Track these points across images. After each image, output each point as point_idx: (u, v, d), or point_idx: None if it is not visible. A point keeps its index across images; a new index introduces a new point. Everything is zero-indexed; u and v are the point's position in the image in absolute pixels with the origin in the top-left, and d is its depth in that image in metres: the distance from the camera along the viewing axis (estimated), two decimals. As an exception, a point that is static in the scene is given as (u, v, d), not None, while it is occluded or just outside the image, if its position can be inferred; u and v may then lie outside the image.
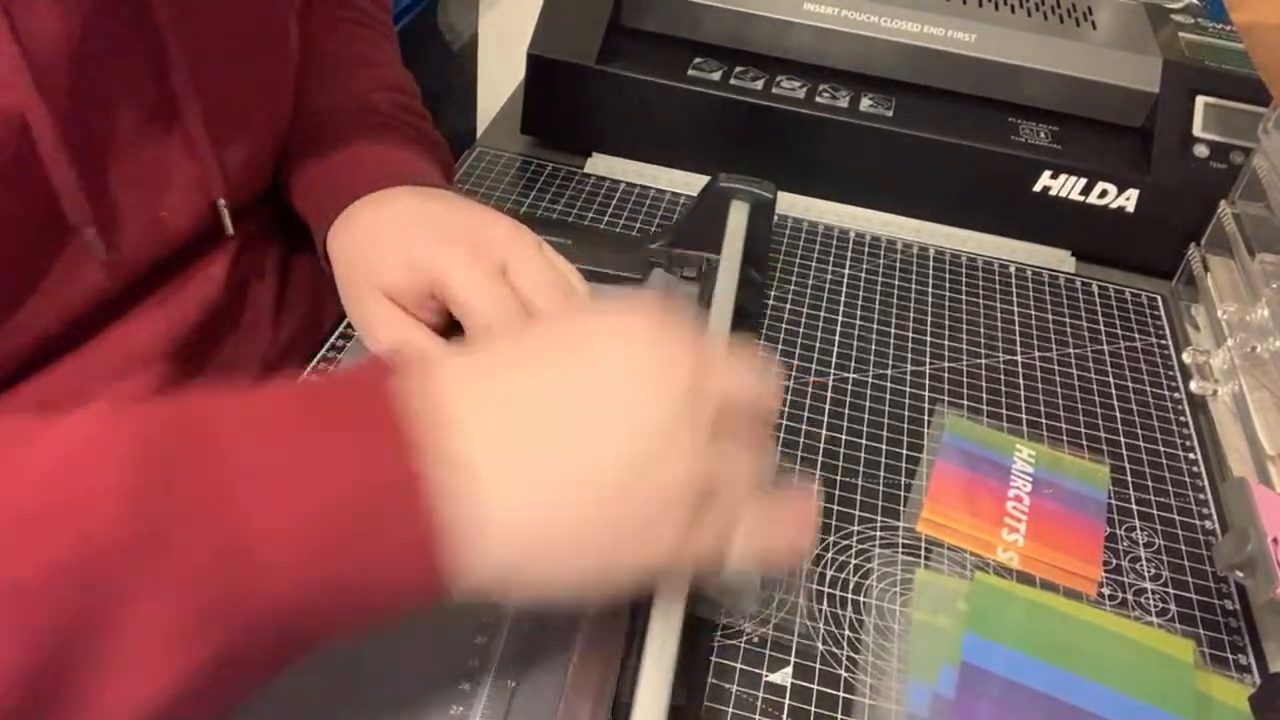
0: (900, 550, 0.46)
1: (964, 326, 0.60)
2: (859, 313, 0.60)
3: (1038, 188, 0.66)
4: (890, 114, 0.67)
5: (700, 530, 0.31)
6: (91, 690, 0.25)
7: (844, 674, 0.40)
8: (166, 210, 0.46)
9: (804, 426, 0.52)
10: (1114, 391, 0.57)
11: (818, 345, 0.57)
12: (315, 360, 0.51)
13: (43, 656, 0.25)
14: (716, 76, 0.68)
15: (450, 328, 0.48)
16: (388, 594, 0.29)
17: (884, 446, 0.51)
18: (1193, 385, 0.57)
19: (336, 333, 0.53)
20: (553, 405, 0.31)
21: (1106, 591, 0.45)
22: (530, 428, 0.30)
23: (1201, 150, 0.65)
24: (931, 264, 0.65)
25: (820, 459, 0.50)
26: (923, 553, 0.46)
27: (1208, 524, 0.49)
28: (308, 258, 0.62)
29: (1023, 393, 0.56)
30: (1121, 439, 0.54)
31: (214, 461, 0.27)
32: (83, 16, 0.39)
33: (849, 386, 0.55)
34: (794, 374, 0.55)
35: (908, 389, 0.55)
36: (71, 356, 0.45)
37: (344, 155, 0.53)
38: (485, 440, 0.30)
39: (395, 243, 0.48)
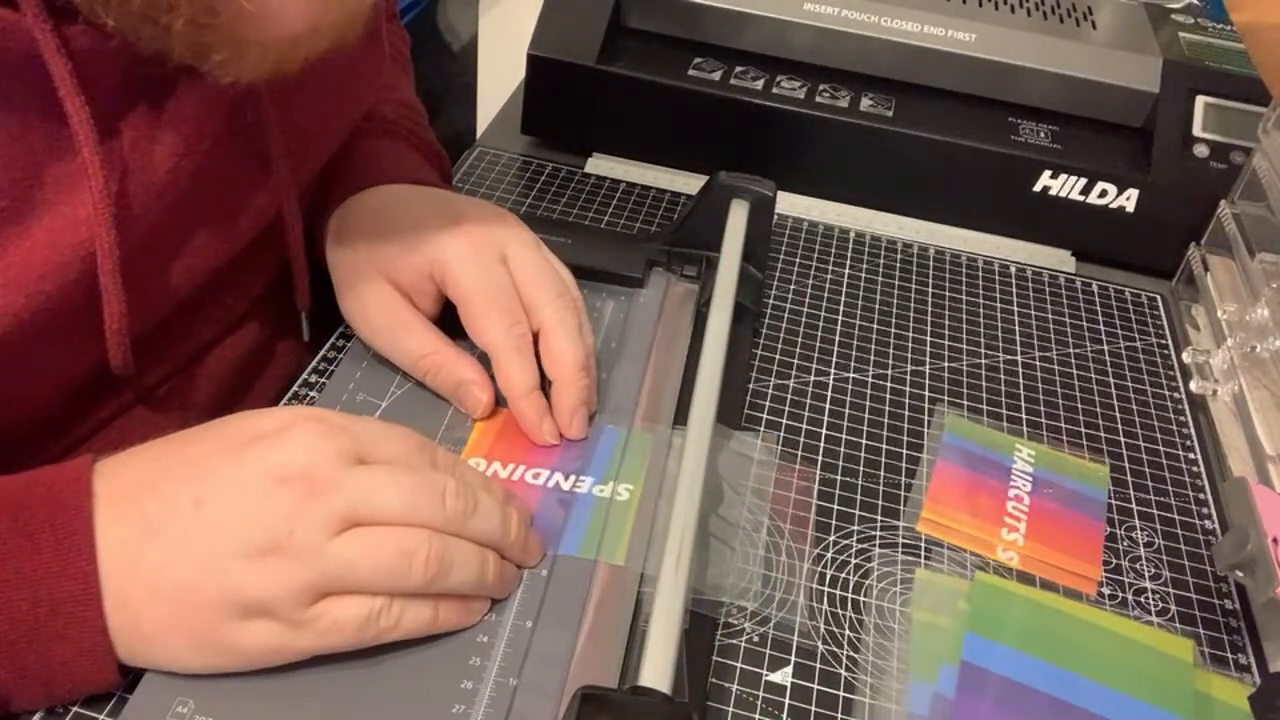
0: (900, 550, 0.46)
1: (964, 326, 0.60)
2: (859, 313, 0.60)
3: (1038, 188, 0.66)
4: (890, 114, 0.67)
5: (308, 627, 0.34)
6: None
7: (844, 673, 0.40)
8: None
9: (804, 426, 0.52)
10: (1114, 391, 0.57)
11: (818, 345, 0.57)
12: (314, 362, 0.51)
13: None
14: (716, 76, 0.68)
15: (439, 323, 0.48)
16: (69, 682, 0.34)
17: (884, 446, 0.51)
18: (1192, 385, 0.57)
19: (336, 333, 0.53)
20: (166, 511, 0.34)
21: (1106, 591, 0.45)
22: (142, 531, 0.34)
23: (1201, 150, 0.65)
24: (931, 264, 0.65)
25: (820, 459, 0.50)
26: (923, 552, 0.46)
27: (1208, 524, 0.49)
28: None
29: (1023, 393, 0.56)
30: (1121, 439, 0.54)
31: None
32: (201, 154, 0.40)
33: (849, 386, 0.55)
34: (794, 374, 0.55)
35: (908, 389, 0.55)
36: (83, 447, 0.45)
37: (352, 151, 0.54)
38: (108, 546, 0.33)
39: (399, 227, 0.48)
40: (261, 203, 0.46)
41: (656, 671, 0.34)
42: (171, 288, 0.43)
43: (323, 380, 0.49)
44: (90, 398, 0.44)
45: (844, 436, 0.51)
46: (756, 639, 0.41)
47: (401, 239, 0.47)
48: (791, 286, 0.61)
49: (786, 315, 0.59)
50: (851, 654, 0.41)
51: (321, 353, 0.51)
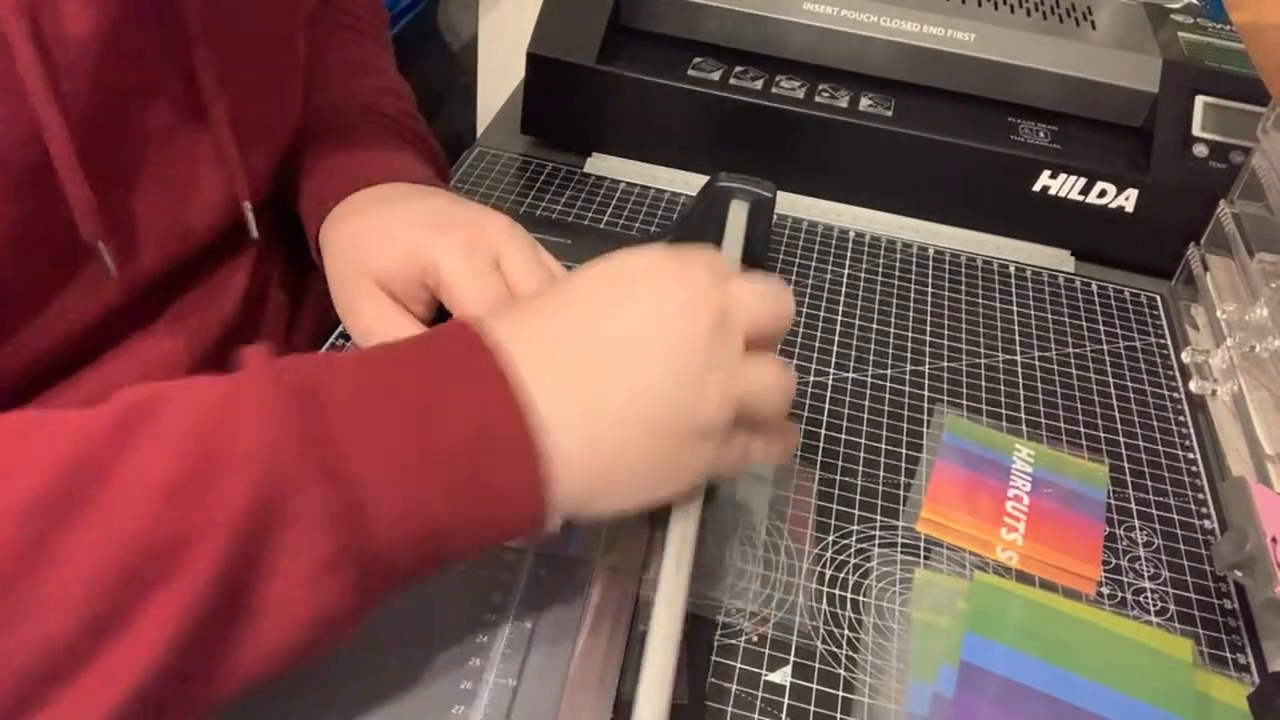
0: (900, 550, 0.46)
1: (964, 326, 0.60)
2: (859, 313, 0.60)
3: (1037, 187, 0.66)
4: (890, 114, 0.67)
5: (732, 444, 0.36)
6: (263, 598, 0.29)
7: (844, 673, 0.40)
8: (191, 216, 0.46)
9: (804, 426, 0.52)
10: (1113, 391, 0.57)
11: (817, 345, 0.57)
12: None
13: (215, 592, 0.28)
14: (716, 76, 0.68)
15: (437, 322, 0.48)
16: (501, 524, 0.34)
17: (884, 446, 0.51)
18: (1192, 385, 0.58)
19: (336, 332, 0.53)
20: (599, 352, 0.35)
21: (1106, 591, 0.45)
22: (580, 376, 0.34)
23: (1201, 150, 0.65)
24: (931, 264, 0.65)
25: (820, 458, 0.50)
26: (922, 552, 0.46)
27: (1207, 524, 0.49)
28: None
29: (1022, 393, 0.56)
30: (1121, 439, 0.54)
31: (331, 432, 0.31)
32: (111, 18, 0.39)
33: (849, 386, 0.55)
34: (794, 373, 0.55)
35: (907, 389, 0.55)
36: (89, 370, 0.45)
37: (348, 150, 0.54)
38: (546, 392, 0.33)
39: (393, 230, 0.48)
40: (178, 84, 0.44)
41: (658, 671, 0.34)
42: (119, 159, 0.43)
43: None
44: (73, 292, 0.43)
45: (844, 436, 0.51)
46: (756, 639, 0.41)
47: (394, 243, 0.47)
48: (791, 286, 0.61)
49: (786, 315, 0.59)
50: (851, 654, 0.41)
51: (322, 351, 0.51)
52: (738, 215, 0.55)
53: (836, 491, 0.48)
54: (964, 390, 0.55)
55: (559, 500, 0.34)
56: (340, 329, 0.53)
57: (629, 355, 0.35)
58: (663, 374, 0.34)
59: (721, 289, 0.36)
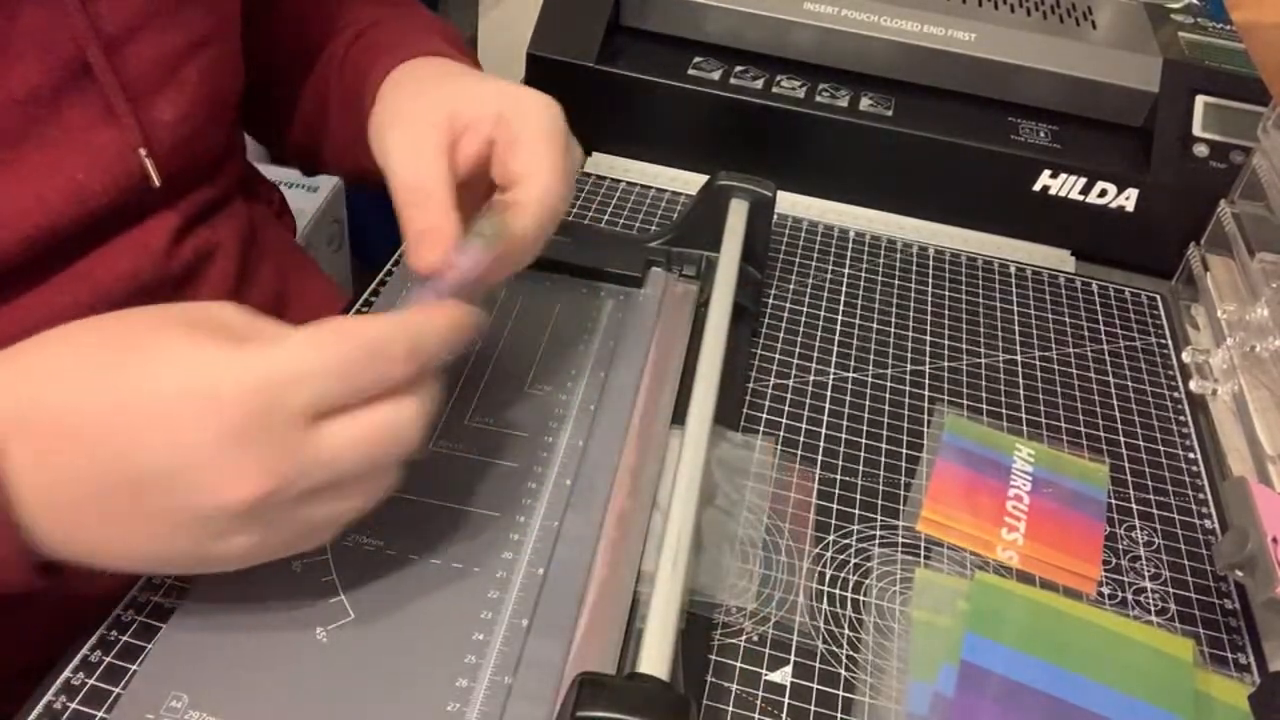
0: (900, 550, 0.46)
1: (964, 326, 0.60)
2: (859, 313, 0.60)
3: (1038, 187, 0.66)
4: (890, 113, 0.67)
5: (299, 514, 0.33)
6: None
7: (844, 673, 0.40)
8: (82, 174, 0.44)
9: (804, 426, 0.52)
10: (1114, 391, 0.57)
11: (817, 345, 0.57)
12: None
13: None
14: (716, 76, 0.68)
15: None
16: None
17: (884, 446, 0.51)
18: (1192, 385, 0.57)
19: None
20: (92, 419, 0.32)
21: (1106, 591, 0.45)
22: (67, 442, 0.32)
23: (1201, 150, 0.65)
24: (931, 264, 0.65)
25: (820, 458, 0.50)
26: (923, 552, 0.46)
27: (1207, 523, 0.49)
28: (275, 234, 0.61)
29: (1022, 392, 0.56)
30: (1121, 438, 0.54)
31: None
32: None
33: (849, 386, 0.54)
34: (794, 373, 0.55)
35: (908, 389, 0.55)
36: None
37: (394, 28, 0.54)
38: (21, 453, 0.31)
39: (473, 79, 0.46)
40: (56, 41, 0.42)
41: (654, 660, 0.34)
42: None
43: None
44: None
45: (844, 436, 0.51)
46: (756, 639, 0.41)
47: (479, 84, 0.44)
48: (791, 286, 0.61)
49: (786, 315, 0.59)
50: (851, 653, 0.41)
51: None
52: (737, 215, 0.55)
53: (836, 491, 0.48)
54: (964, 390, 0.55)
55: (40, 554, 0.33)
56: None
57: (123, 428, 0.31)
58: (158, 453, 0.31)
59: (270, 373, 0.32)
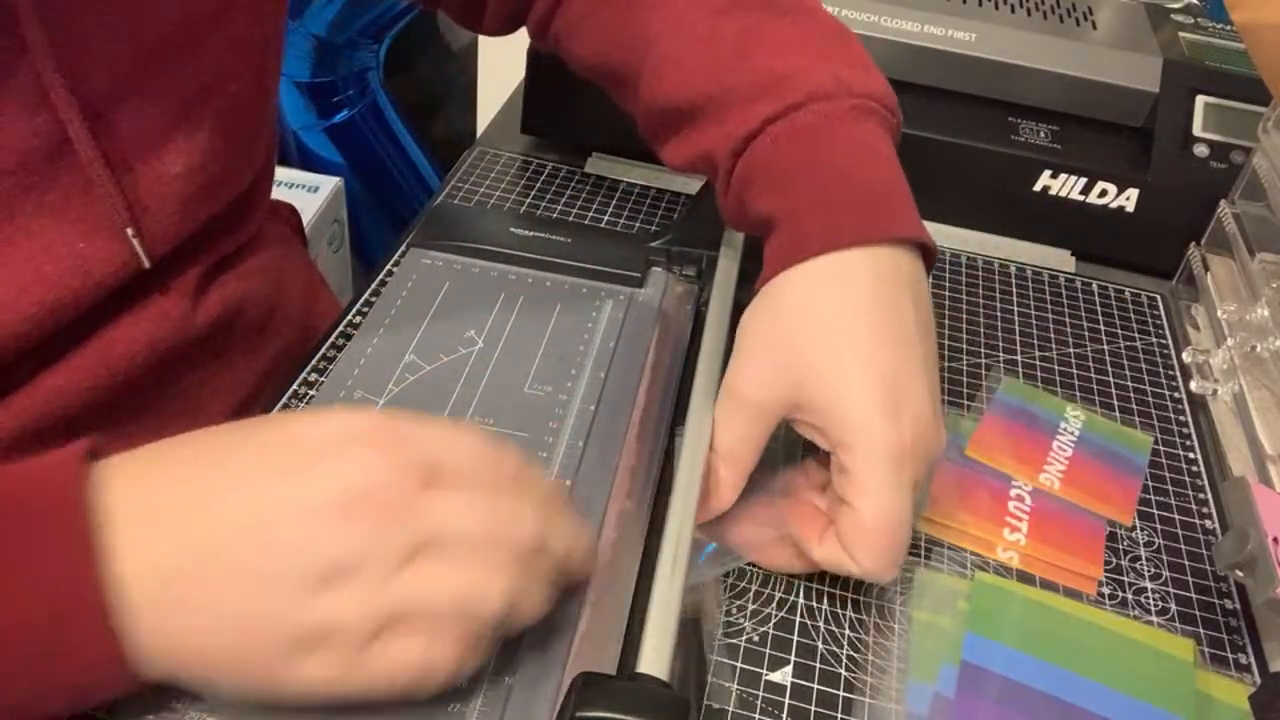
0: (900, 549, 0.46)
1: (964, 326, 0.60)
2: (859, 312, 0.60)
3: (1038, 187, 0.66)
4: (890, 114, 0.67)
5: (364, 666, 0.32)
6: None
7: (844, 673, 0.40)
8: (84, 241, 0.42)
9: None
10: (1114, 391, 0.57)
11: (818, 345, 0.57)
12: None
13: None
14: (716, 76, 0.67)
15: None
16: (74, 699, 0.32)
17: (884, 446, 0.51)
18: (1193, 385, 0.57)
19: (337, 331, 0.53)
20: (220, 527, 0.32)
21: (1106, 591, 0.45)
22: (189, 547, 0.31)
23: (1201, 150, 0.65)
24: (931, 264, 0.65)
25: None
26: (923, 552, 0.46)
27: (1208, 523, 0.49)
28: (296, 256, 0.60)
29: (1023, 392, 0.56)
30: (1121, 438, 0.54)
31: None
32: None
33: (849, 386, 0.54)
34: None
35: (908, 388, 0.55)
36: (4, 406, 0.43)
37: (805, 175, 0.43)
38: (135, 564, 0.31)
39: (805, 355, 0.40)
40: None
41: (654, 660, 0.34)
42: None
43: (321, 379, 0.49)
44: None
45: (844, 436, 0.51)
46: (756, 639, 0.41)
47: (831, 367, 0.39)
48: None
49: (786, 315, 0.59)
50: (851, 654, 0.41)
51: (321, 351, 0.51)
52: (738, 215, 0.55)
53: (836, 491, 0.48)
54: (964, 390, 0.55)
55: (142, 673, 0.31)
56: (340, 329, 0.52)
57: (248, 543, 0.31)
58: (278, 571, 0.31)
59: (400, 498, 0.32)
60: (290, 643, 0.31)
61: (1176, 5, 0.75)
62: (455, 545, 0.32)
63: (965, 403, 0.53)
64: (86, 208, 0.42)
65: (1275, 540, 0.41)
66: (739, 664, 0.40)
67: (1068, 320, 0.62)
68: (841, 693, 0.40)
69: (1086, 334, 0.61)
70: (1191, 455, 0.53)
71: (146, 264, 0.45)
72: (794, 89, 0.43)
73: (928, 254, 0.43)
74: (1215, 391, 0.57)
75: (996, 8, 0.71)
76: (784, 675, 0.40)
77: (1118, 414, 0.55)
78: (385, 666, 0.32)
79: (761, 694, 0.39)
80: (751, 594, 0.43)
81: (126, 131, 0.42)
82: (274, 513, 0.31)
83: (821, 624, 0.42)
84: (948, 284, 0.63)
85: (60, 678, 0.31)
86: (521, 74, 0.69)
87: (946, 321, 0.60)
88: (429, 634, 0.32)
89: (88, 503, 0.31)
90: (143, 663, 0.31)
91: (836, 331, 0.39)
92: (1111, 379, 0.58)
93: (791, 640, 0.41)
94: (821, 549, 0.40)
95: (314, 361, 0.50)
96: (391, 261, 0.57)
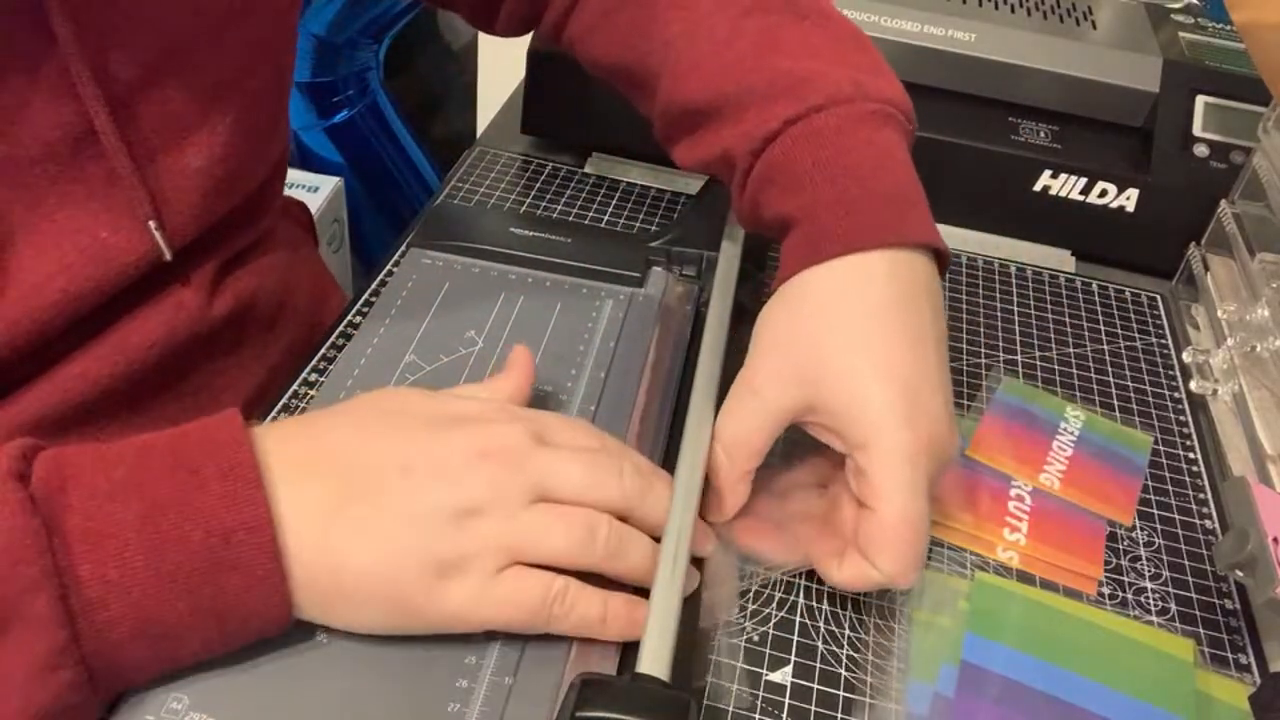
0: (900, 549, 0.46)
1: (964, 326, 0.60)
2: (859, 312, 0.60)
3: (1038, 187, 0.66)
4: (890, 114, 0.67)
5: (495, 592, 0.36)
6: None
7: (844, 673, 0.40)
8: (107, 230, 0.43)
9: (804, 426, 0.51)
10: (1114, 391, 0.57)
11: (818, 345, 0.57)
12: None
13: None
14: (716, 76, 0.67)
15: None
16: (238, 632, 0.35)
17: (884, 446, 0.51)
18: (1193, 385, 0.57)
19: (337, 332, 0.53)
20: (367, 464, 0.36)
21: (1106, 591, 0.45)
22: (337, 491, 0.36)
23: (1201, 150, 0.65)
24: (931, 264, 0.65)
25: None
26: (923, 552, 0.46)
27: (1208, 523, 0.49)
28: (307, 252, 0.60)
29: (1023, 392, 0.56)
30: (1121, 438, 0.54)
31: (68, 535, 0.32)
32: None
33: (849, 386, 0.54)
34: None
35: (908, 388, 0.55)
36: (24, 393, 0.44)
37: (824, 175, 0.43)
38: (293, 498, 0.35)
39: (824, 355, 0.40)
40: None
41: (654, 660, 0.34)
42: None
43: (322, 379, 0.49)
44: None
45: (844, 436, 0.51)
46: (756, 639, 0.41)
47: (846, 367, 0.39)
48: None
49: (786, 315, 0.59)
50: (851, 654, 0.41)
51: (322, 350, 0.51)
52: (738, 215, 0.55)
53: (836, 491, 0.48)
54: (964, 390, 0.55)
55: (297, 608, 0.35)
56: (340, 330, 0.52)
57: (397, 484, 0.36)
58: (423, 505, 0.36)
59: (527, 450, 0.37)
60: (436, 568, 0.35)
61: (1176, 5, 0.75)
62: (569, 489, 0.37)
63: (965, 403, 0.53)
64: (110, 199, 0.43)
65: (1275, 540, 0.41)
66: (739, 664, 0.40)
67: (1068, 320, 0.62)
68: (841, 693, 0.40)
69: (1086, 334, 0.61)
70: (1191, 455, 0.53)
71: (168, 256, 0.46)
72: (814, 91, 0.44)
73: (942, 260, 0.44)
74: (1215, 391, 0.57)
75: (996, 8, 0.71)
76: (784, 675, 0.40)
77: (1118, 414, 0.55)
78: (511, 594, 0.36)
79: (761, 694, 0.39)
80: (752, 594, 0.43)
81: (150, 123, 0.44)
82: (415, 459, 0.36)
83: (821, 624, 0.42)
84: (948, 284, 0.63)
85: (230, 599, 0.33)
86: (521, 74, 0.69)
87: (947, 321, 0.60)
88: (546, 574, 0.36)
89: (252, 444, 0.35)
90: (300, 596, 0.35)
91: (856, 334, 0.39)
92: (1111, 379, 0.58)
93: (791, 640, 0.41)
94: (841, 572, 0.40)
95: (314, 361, 0.50)
96: (392, 261, 0.57)
